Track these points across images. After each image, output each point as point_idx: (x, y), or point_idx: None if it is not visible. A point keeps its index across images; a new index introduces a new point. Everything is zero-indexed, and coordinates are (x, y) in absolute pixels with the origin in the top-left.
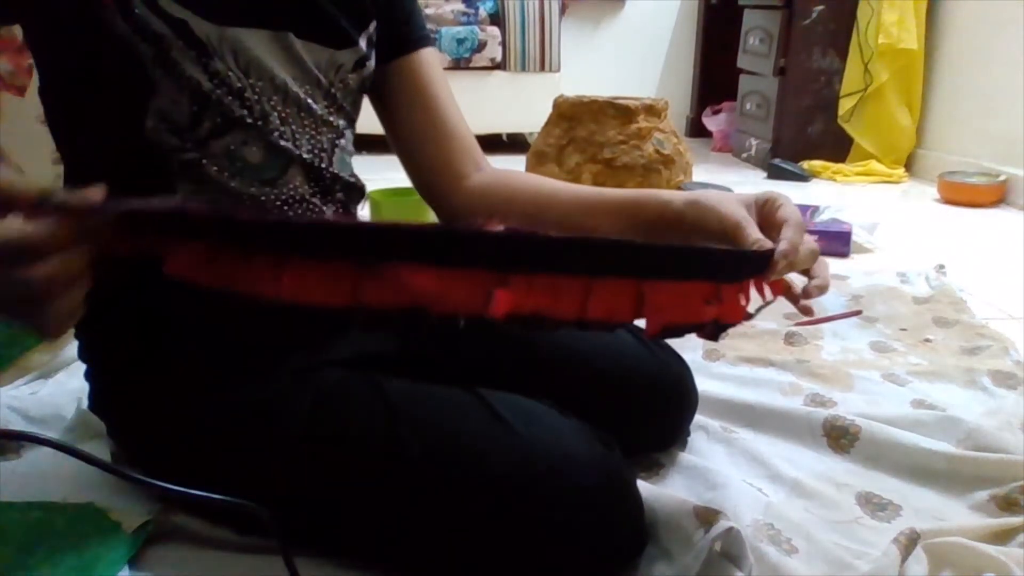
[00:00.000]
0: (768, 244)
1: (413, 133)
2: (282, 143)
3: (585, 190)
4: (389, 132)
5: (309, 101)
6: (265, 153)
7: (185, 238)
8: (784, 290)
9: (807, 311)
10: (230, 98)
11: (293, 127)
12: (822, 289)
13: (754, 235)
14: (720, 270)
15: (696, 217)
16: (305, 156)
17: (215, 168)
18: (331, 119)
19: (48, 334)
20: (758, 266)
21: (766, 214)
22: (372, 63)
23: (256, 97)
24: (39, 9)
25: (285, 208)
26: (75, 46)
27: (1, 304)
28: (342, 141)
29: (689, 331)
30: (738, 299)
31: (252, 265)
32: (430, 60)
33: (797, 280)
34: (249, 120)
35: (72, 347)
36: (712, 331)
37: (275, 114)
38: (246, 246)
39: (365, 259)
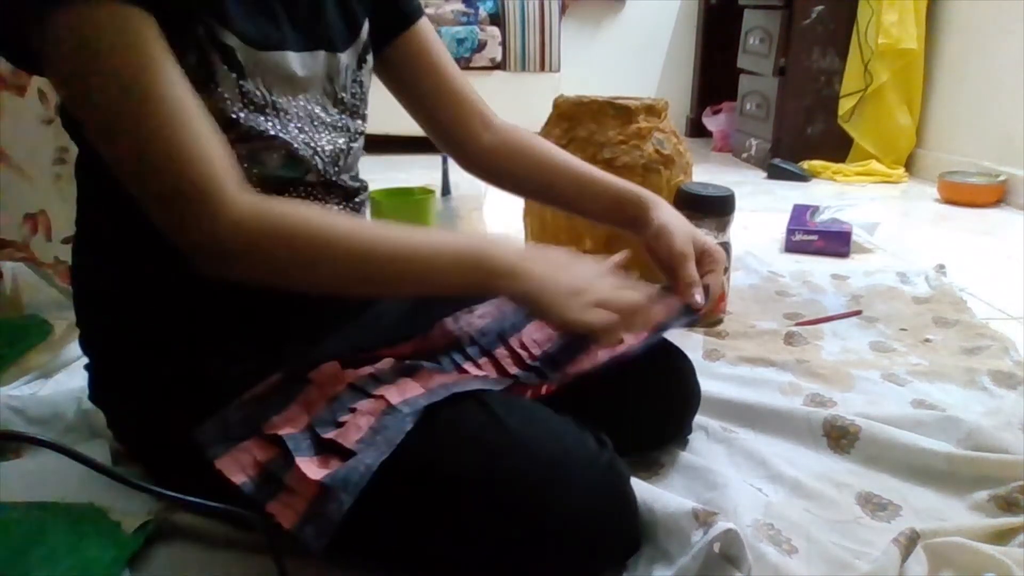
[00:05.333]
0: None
1: (424, 99)
2: (301, 153)
3: (581, 173)
4: (403, 102)
5: (321, 111)
6: (285, 160)
7: None
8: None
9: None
10: (256, 115)
11: (311, 136)
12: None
13: (691, 273)
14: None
15: (655, 237)
16: (319, 164)
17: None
18: (342, 125)
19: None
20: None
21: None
22: (371, 56)
23: (278, 112)
24: None
25: (294, 198)
26: None
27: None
28: (354, 146)
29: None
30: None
31: None
32: (426, 29)
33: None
34: (271, 133)
35: (72, 348)
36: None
37: (294, 125)
38: None
39: None
